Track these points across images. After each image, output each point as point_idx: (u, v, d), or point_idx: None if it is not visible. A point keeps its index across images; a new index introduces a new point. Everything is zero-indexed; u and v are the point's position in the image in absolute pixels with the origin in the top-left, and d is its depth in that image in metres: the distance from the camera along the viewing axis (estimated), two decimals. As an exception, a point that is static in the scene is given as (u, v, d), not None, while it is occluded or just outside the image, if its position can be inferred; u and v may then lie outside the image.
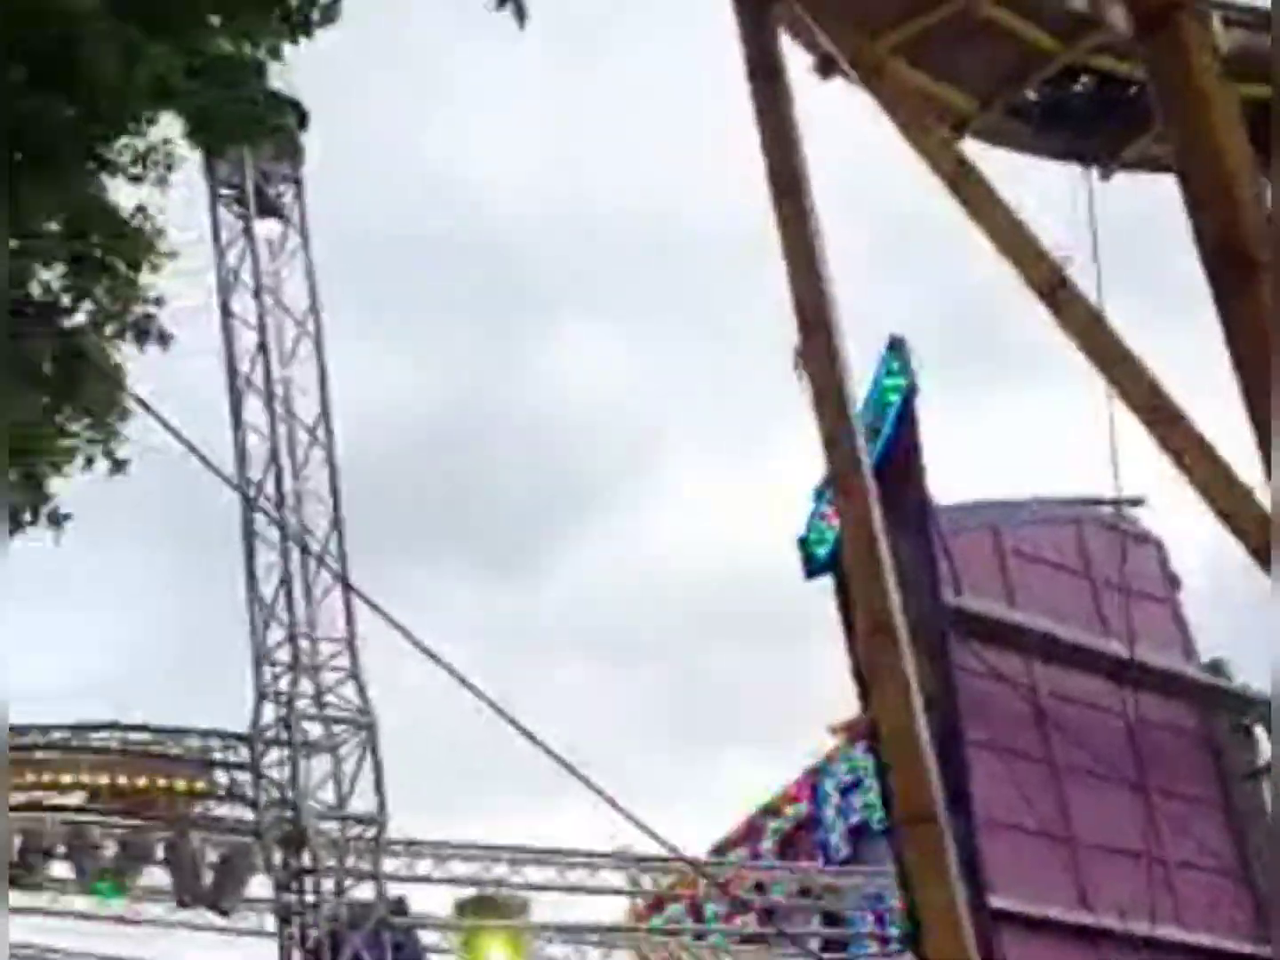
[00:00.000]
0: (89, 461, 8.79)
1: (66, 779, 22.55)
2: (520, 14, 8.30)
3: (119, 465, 8.95)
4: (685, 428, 57.74)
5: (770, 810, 34.84)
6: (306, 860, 21.47)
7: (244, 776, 22.80)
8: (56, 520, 8.79)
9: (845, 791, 34.15)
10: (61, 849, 22.69)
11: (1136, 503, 26.10)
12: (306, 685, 22.29)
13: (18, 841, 22.84)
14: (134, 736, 23.40)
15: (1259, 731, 25.93)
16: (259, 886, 23.16)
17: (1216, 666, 25.99)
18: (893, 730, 12.31)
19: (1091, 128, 17.90)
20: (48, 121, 7.70)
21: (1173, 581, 26.94)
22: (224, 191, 23.48)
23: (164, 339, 8.86)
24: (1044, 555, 24.27)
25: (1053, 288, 13.14)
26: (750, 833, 34.24)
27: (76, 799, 23.01)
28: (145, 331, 8.81)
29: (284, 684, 22.33)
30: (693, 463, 59.21)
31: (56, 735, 23.15)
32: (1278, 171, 14.55)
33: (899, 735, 12.26)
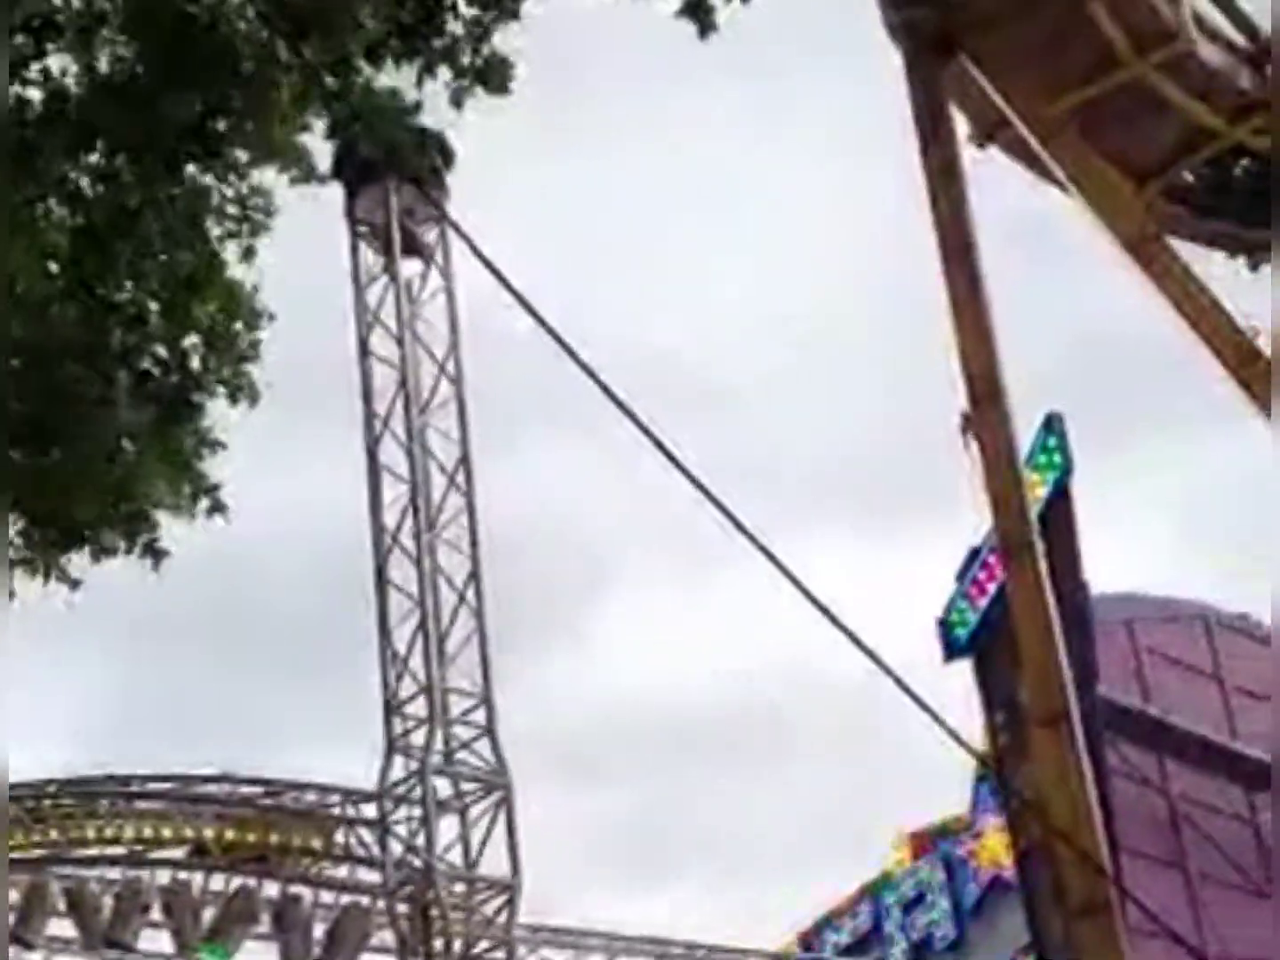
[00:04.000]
0: (194, 498, 8.25)
1: (168, 832, 21.83)
2: (704, 25, 7.90)
3: (219, 508, 8.34)
4: (641, 548, 56.87)
5: (827, 923, 34.39)
6: (436, 925, 20.70)
7: (366, 835, 22.10)
8: (156, 553, 8.24)
9: (908, 907, 33.59)
10: (158, 909, 21.97)
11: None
12: (438, 740, 21.48)
13: (108, 901, 22.29)
14: (246, 790, 22.73)
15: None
16: (372, 956, 22.48)
17: (1349, 778, 25.15)
18: (1068, 823, 11.78)
19: (1246, 215, 17.52)
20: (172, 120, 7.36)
21: (1301, 689, 26.19)
22: (363, 229, 23.00)
23: (255, 396, 8.32)
24: (1174, 653, 23.63)
25: (1242, 359, 12.74)
26: (807, 944, 33.66)
27: (179, 854, 22.33)
28: (239, 388, 8.31)
29: (416, 738, 21.51)
30: (647, 584, 58.13)
31: (162, 786, 22.52)
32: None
33: (1074, 828, 11.74)
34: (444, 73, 7.96)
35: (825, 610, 6.90)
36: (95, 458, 7.87)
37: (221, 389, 8.14)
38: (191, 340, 8.08)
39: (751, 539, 6.80)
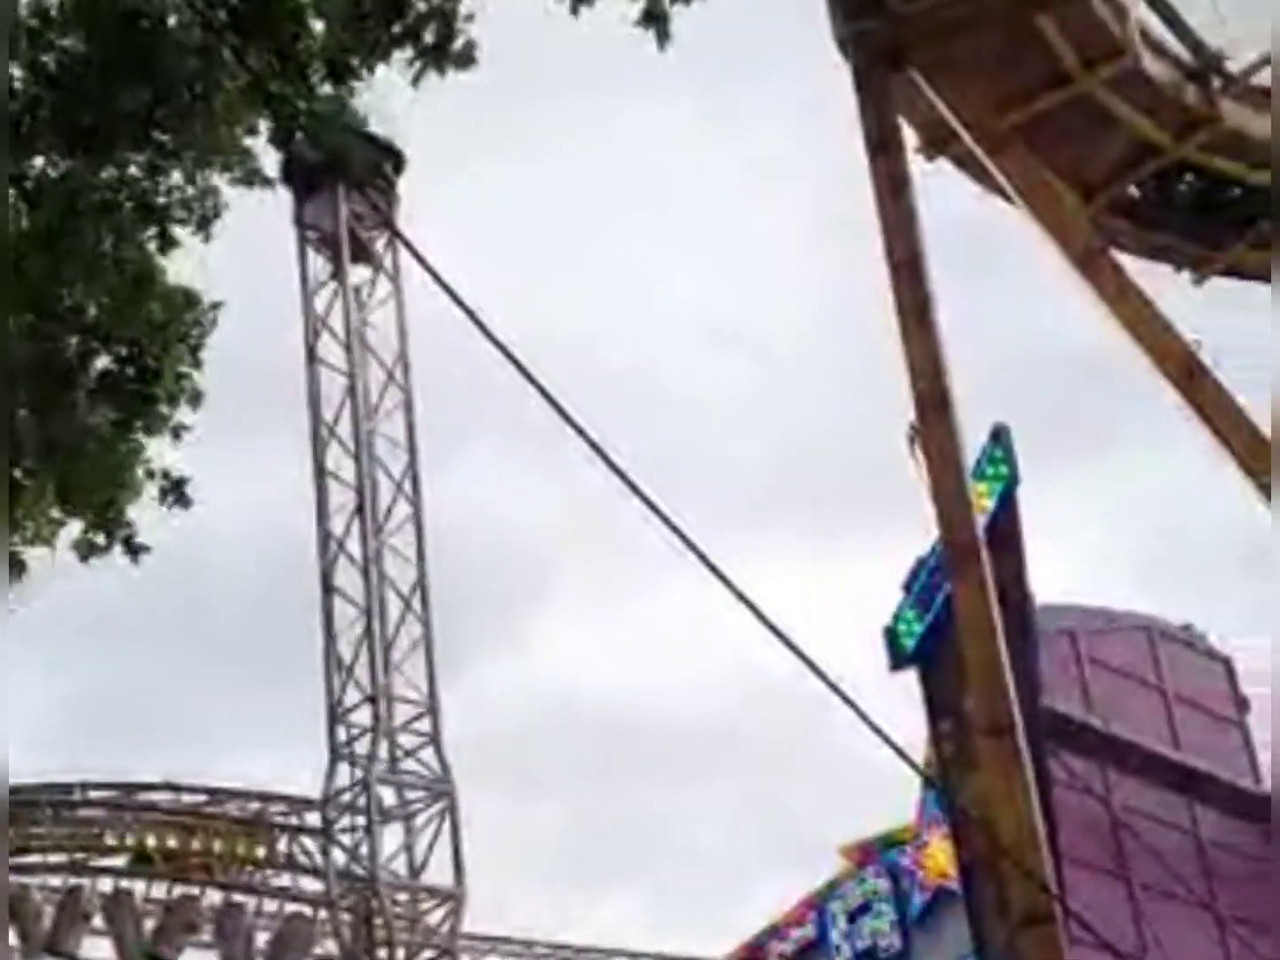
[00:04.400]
0: (164, 495, 8.27)
1: (110, 840, 21.62)
2: (661, 35, 7.93)
3: (182, 499, 8.37)
4: (587, 556, 56.76)
5: (773, 933, 34.44)
6: (379, 934, 20.60)
7: (309, 844, 21.93)
8: (134, 549, 8.25)
9: (854, 917, 33.67)
10: (99, 917, 21.77)
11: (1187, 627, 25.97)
12: (382, 749, 21.35)
13: (49, 909, 22.05)
14: (189, 798, 22.53)
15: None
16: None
17: (1289, 791, 25.34)
18: (1012, 835, 11.81)
19: (1191, 229, 17.67)
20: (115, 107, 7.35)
21: (1242, 702, 26.40)
22: (311, 235, 22.84)
23: (197, 399, 8.33)
24: (1118, 664, 23.79)
25: (1183, 372, 12.83)
26: (753, 955, 33.67)
27: (121, 862, 22.12)
28: (182, 391, 8.31)
29: (361, 746, 21.38)
30: (593, 593, 58.05)
31: (105, 793, 22.30)
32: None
33: (1018, 840, 11.77)
34: (398, 60, 7.99)
35: (770, 624, 6.91)
36: (62, 461, 7.87)
37: (164, 392, 8.14)
38: (145, 338, 8.08)
39: (696, 552, 6.81)
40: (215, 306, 8.27)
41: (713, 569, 6.96)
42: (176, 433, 8.30)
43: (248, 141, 8.03)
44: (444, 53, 8.03)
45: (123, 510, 8.22)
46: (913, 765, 10.07)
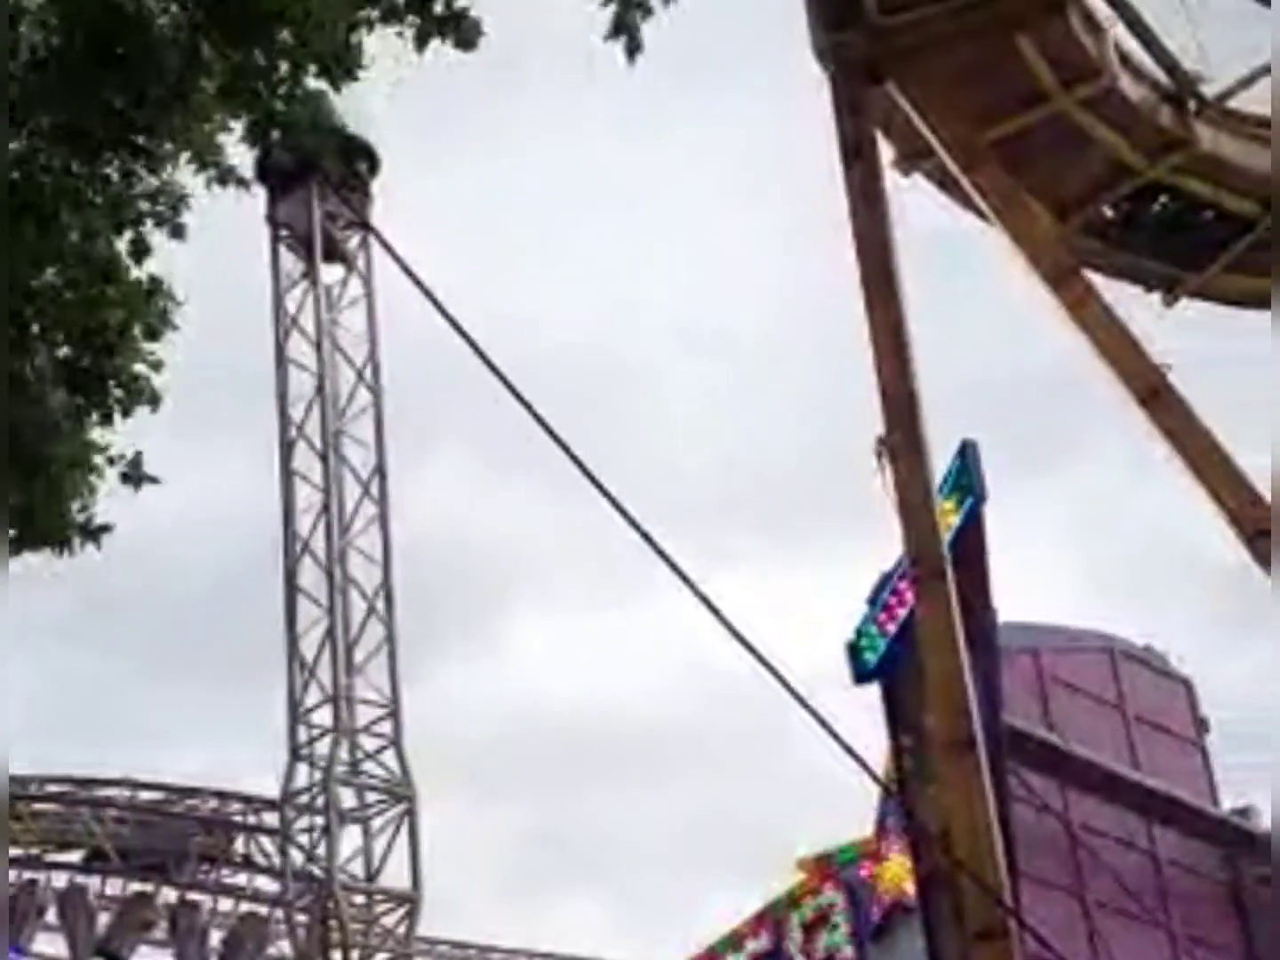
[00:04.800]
0: (126, 479, 8.20)
1: (66, 835, 21.46)
2: (631, 47, 7.87)
3: (143, 476, 8.32)
4: (553, 562, 56.56)
5: (730, 943, 34.44)
6: (334, 936, 20.48)
7: (267, 843, 21.83)
8: (92, 533, 8.18)
9: (809, 929, 33.70)
10: (53, 913, 21.59)
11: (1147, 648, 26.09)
12: (343, 750, 21.23)
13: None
14: (146, 795, 22.37)
15: (1284, 881, 25.36)
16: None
17: (1245, 812, 25.48)
18: (970, 849, 11.82)
19: (1163, 251, 17.74)
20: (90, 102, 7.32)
21: (1201, 723, 26.52)
22: (284, 233, 22.71)
23: (155, 401, 8.28)
24: (1078, 683, 23.88)
25: (1152, 393, 12.86)
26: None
27: (76, 858, 21.95)
28: (139, 392, 8.27)
29: (321, 747, 21.24)
30: (558, 599, 57.90)
31: (61, 788, 22.12)
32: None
33: (975, 854, 11.78)
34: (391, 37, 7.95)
35: (735, 632, 6.90)
36: (22, 446, 7.82)
37: (120, 392, 8.11)
38: (106, 330, 8.04)
39: (664, 557, 6.79)
40: (178, 303, 8.22)
41: (680, 574, 6.95)
42: (154, 401, 8.24)
43: (222, 139, 8.00)
44: (454, 24, 7.97)
45: (82, 494, 8.16)
46: (871, 774, 10.07)
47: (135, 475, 8.20)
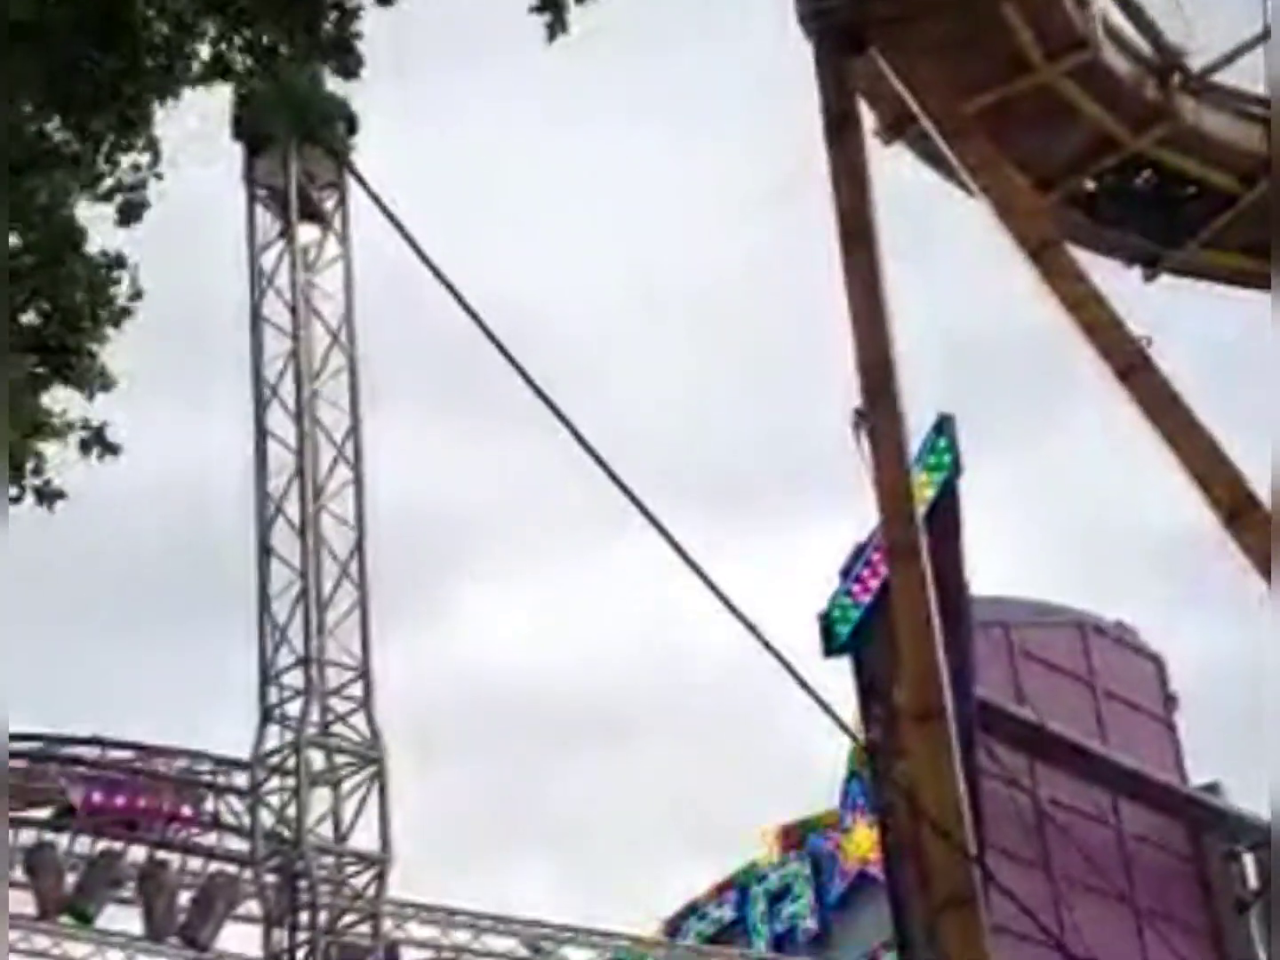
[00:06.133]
0: (85, 446, 8.12)
1: (34, 794, 21.37)
2: (555, 25, 7.72)
3: (109, 448, 8.23)
4: (510, 529, 56.29)
5: (692, 913, 34.64)
6: (303, 896, 20.46)
7: (236, 804, 21.76)
8: (48, 496, 8.10)
9: (773, 900, 33.88)
10: (21, 870, 21.49)
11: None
12: (314, 712, 21.18)
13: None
14: (115, 753, 22.30)
15: (1248, 860, 25.50)
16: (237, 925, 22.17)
17: (1213, 788, 25.55)
18: (941, 820, 11.83)
19: (1145, 225, 17.70)
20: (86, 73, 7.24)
21: (1170, 700, 26.58)
22: (261, 192, 22.50)
23: (106, 384, 8.19)
24: (1050, 657, 23.89)
25: (1131, 367, 12.82)
26: (672, 933, 33.82)
27: (44, 815, 21.85)
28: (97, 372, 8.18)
29: (292, 709, 21.19)
30: (525, 564, 57.54)
31: (30, 745, 22.03)
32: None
33: (944, 828, 11.79)
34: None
35: (715, 588, 6.86)
36: None
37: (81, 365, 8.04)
38: (69, 299, 7.97)
39: (648, 515, 6.75)
40: (139, 292, 8.12)
41: (664, 533, 6.90)
42: (105, 387, 8.15)
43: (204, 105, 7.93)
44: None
45: (40, 457, 8.08)
46: (845, 728, 10.04)
47: (99, 444, 8.12)
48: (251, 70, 7.70)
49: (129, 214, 7.87)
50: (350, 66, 7.69)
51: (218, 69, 7.66)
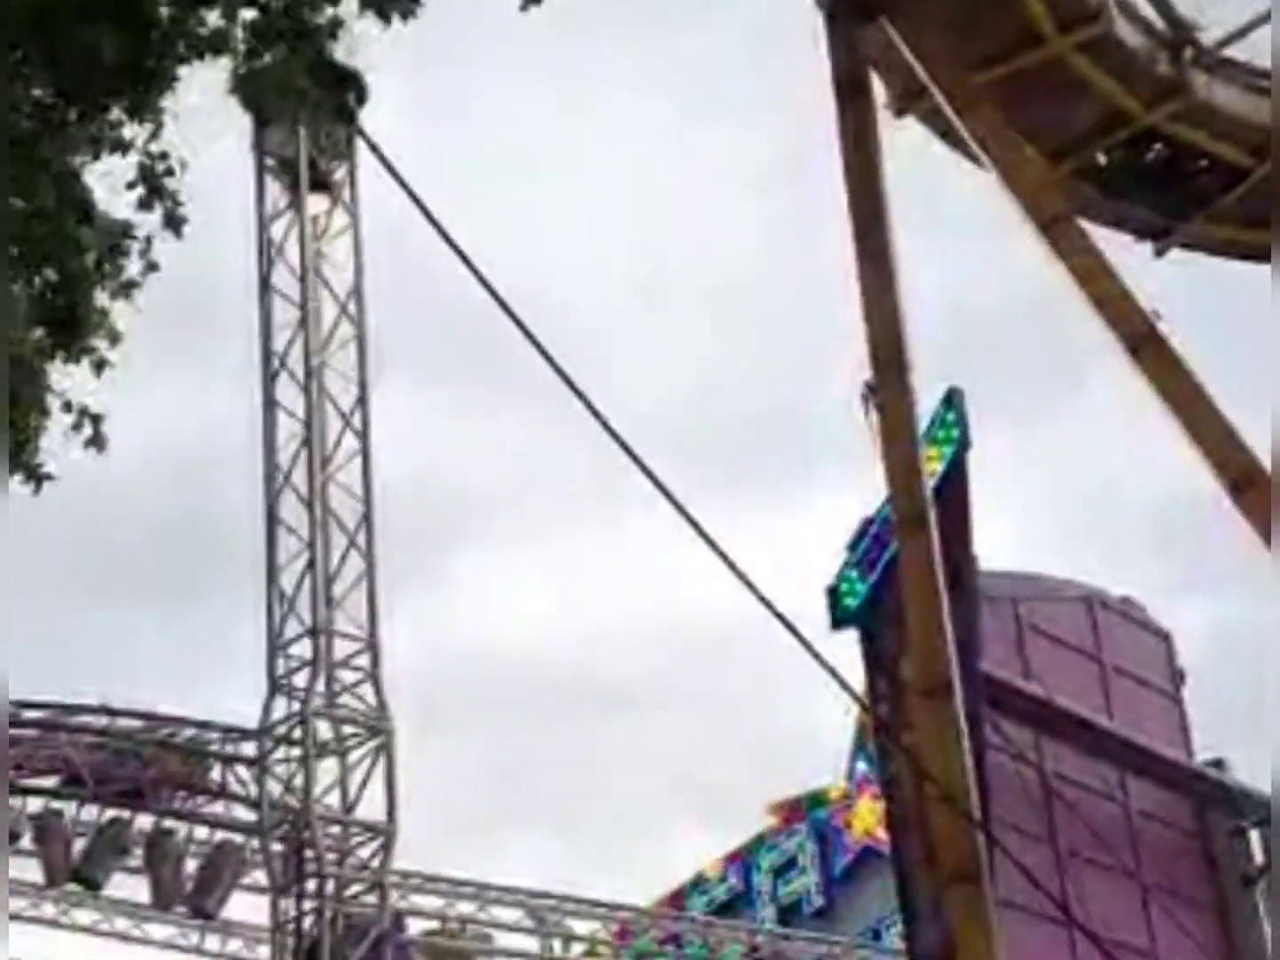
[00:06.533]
0: (77, 426, 8.07)
1: (41, 760, 21.42)
2: None
3: (97, 438, 8.19)
4: (515, 500, 56.14)
5: (698, 885, 34.76)
6: (309, 866, 20.55)
7: (244, 773, 21.81)
8: (36, 476, 8.06)
9: (779, 873, 33.95)
10: (28, 838, 21.55)
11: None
12: (321, 683, 21.24)
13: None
14: (123, 722, 22.36)
15: (1254, 835, 25.52)
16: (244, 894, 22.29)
17: (1219, 764, 25.55)
18: (946, 792, 11.83)
19: (1155, 199, 17.65)
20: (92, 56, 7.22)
21: (1178, 676, 26.55)
22: (270, 163, 22.48)
23: (100, 366, 8.17)
24: (1057, 632, 23.85)
25: (1140, 340, 12.79)
26: (676, 905, 33.90)
27: (52, 783, 21.89)
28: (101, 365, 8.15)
29: (299, 679, 21.24)
30: (534, 535, 57.45)
31: (38, 714, 22.08)
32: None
33: (951, 799, 11.79)
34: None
35: (728, 560, 6.86)
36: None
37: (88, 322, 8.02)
38: (74, 267, 7.94)
39: (658, 484, 6.74)
40: (153, 266, 8.10)
41: (674, 502, 6.90)
42: (99, 366, 8.12)
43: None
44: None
45: (31, 436, 8.04)
46: (855, 696, 10.06)
47: (93, 435, 8.09)
48: (253, 50, 7.67)
49: (150, 199, 7.86)
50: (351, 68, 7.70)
51: (218, 43, 7.62)
